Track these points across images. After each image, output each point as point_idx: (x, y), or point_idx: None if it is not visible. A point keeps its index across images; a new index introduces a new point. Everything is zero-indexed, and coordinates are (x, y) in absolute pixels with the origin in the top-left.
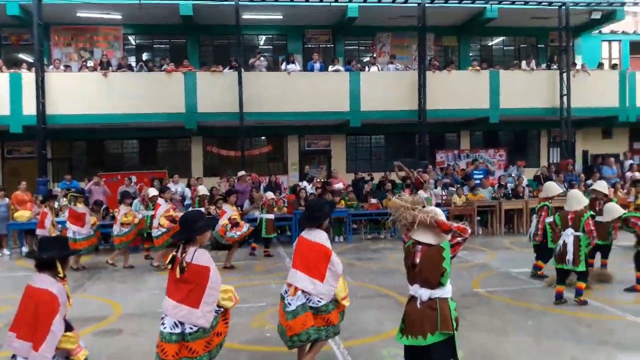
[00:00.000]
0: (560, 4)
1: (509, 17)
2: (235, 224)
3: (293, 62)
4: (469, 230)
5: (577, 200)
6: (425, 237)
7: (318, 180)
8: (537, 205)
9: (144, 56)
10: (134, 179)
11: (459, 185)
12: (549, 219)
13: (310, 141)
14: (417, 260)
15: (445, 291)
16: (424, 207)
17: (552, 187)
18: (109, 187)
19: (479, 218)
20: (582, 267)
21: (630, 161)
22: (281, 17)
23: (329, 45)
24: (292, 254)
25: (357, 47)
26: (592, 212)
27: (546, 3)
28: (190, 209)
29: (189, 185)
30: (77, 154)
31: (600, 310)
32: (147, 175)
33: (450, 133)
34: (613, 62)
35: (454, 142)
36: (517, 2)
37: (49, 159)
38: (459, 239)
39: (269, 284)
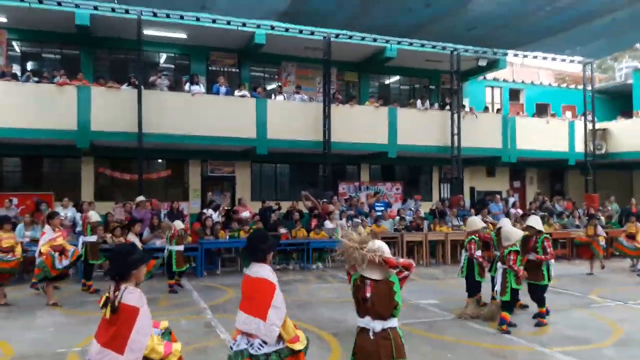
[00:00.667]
0: (452, 49)
1: (406, 57)
2: None
3: (197, 84)
4: (414, 264)
5: (506, 236)
6: (373, 274)
7: (223, 208)
8: (465, 239)
9: (29, 65)
10: (15, 200)
11: (362, 217)
12: (478, 253)
13: (213, 167)
14: (368, 294)
15: (395, 321)
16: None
17: (476, 222)
18: None
19: None
20: (506, 297)
21: (513, 198)
22: (185, 36)
23: (234, 70)
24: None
25: (262, 73)
26: (516, 248)
27: (440, 47)
28: (82, 237)
29: (80, 210)
30: None
31: (510, 342)
32: (31, 197)
33: (350, 165)
34: (496, 106)
35: (355, 174)
36: (414, 44)
37: None
38: (406, 272)
39: (178, 320)
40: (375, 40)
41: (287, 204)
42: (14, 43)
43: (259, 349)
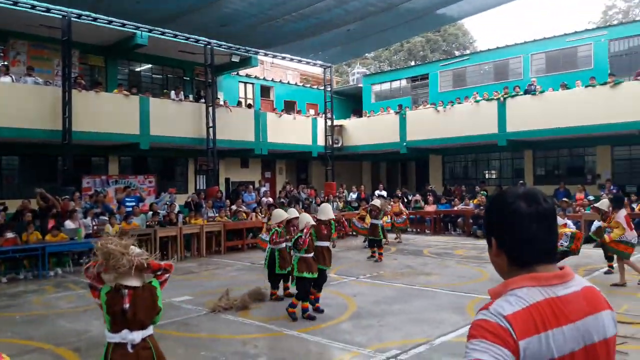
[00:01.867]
0: (205, 42)
1: (158, 46)
2: None
3: None
4: (174, 265)
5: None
6: (131, 281)
7: None
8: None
9: None
10: None
11: (109, 214)
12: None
13: None
14: (127, 305)
15: (152, 327)
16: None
17: (281, 213)
18: None
19: None
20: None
21: (265, 188)
22: None
23: None
24: None
25: None
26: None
27: (193, 39)
28: None
29: None
30: None
31: (258, 329)
32: None
33: (97, 157)
34: (249, 101)
35: (102, 166)
36: (167, 34)
37: None
38: (167, 275)
39: None
40: (123, 25)
41: (17, 203)
42: None
43: None
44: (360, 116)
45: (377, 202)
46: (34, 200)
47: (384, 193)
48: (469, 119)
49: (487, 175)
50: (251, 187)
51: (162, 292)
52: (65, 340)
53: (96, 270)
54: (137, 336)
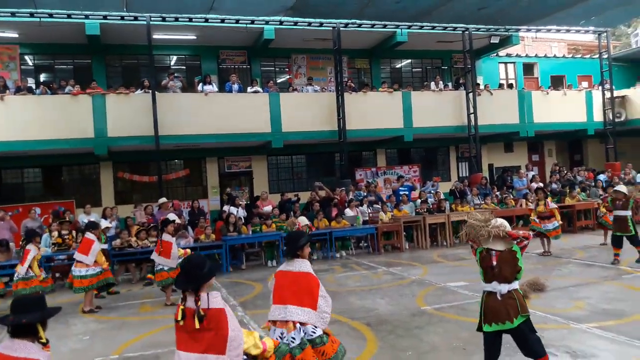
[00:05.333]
0: (463, 29)
1: (417, 40)
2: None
3: (210, 83)
4: (532, 234)
5: None
6: (496, 245)
7: (242, 203)
8: None
9: (43, 77)
10: (38, 210)
11: (381, 203)
12: None
13: (230, 163)
14: (494, 263)
15: (517, 283)
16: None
17: None
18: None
19: (405, 233)
20: None
21: (532, 172)
22: (194, 37)
23: (244, 66)
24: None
25: (273, 68)
26: None
27: (451, 28)
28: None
29: (104, 216)
30: None
31: (544, 320)
32: (53, 206)
33: (367, 151)
34: (510, 82)
35: (371, 159)
36: (425, 27)
37: None
38: (525, 242)
39: None
40: (385, 26)
41: (306, 195)
42: (27, 57)
43: (313, 333)
44: None
45: (622, 187)
46: (322, 192)
47: None
48: None
49: None
50: (522, 172)
51: (437, 276)
52: (357, 315)
53: (466, 238)
54: (503, 288)
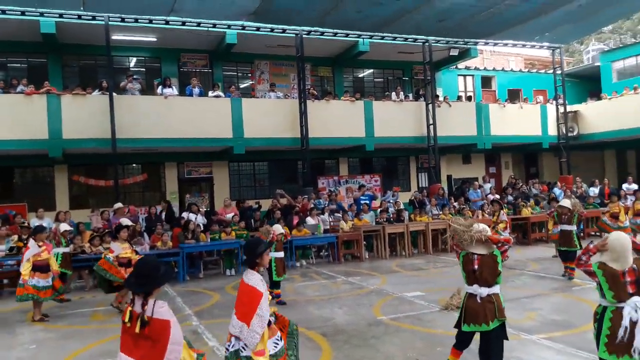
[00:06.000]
0: (423, 40)
1: (378, 50)
2: (127, 264)
3: (170, 86)
4: (512, 239)
5: None
6: (479, 249)
7: (201, 210)
8: None
9: None
10: None
11: (342, 211)
12: None
13: (190, 168)
14: (476, 266)
15: (498, 288)
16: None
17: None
18: None
19: (365, 243)
20: None
21: (489, 184)
22: (155, 39)
23: (206, 70)
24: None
25: (235, 73)
26: None
27: (412, 39)
28: (58, 248)
29: (57, 220)
30: None
31: None
32: (4, 209)
33: (329, 160)
34: (468, 94)
35: (334, 168)
36: (386, 37)
37: None
38: (506, 246)
39: None
40: (347, 35)
41: (268, 202)
42: None
43: (242, 351)
44: (599, 99)
45: (566, 202)
46: (283, 200)
47: (635, 186)
48: None
49: None
50: (476, 183)
51: (393, 286)
52: (314, 324)
53: (451, 242)
54: (484, 291)
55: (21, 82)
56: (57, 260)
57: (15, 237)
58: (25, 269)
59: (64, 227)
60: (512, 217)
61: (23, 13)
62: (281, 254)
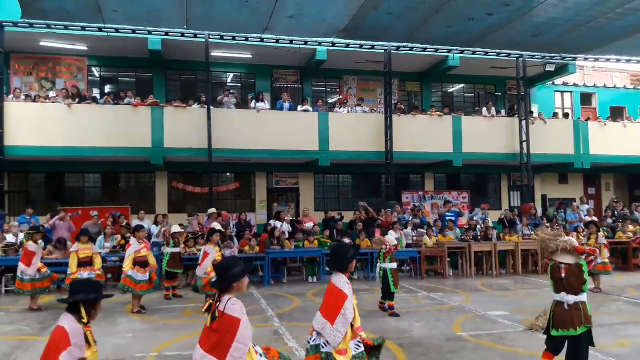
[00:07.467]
0: (517, 55)
1: (469, 65)
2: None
3: (262, 101)
4: (597, 251)
5: None
6: (566, 259)
7: (287, 218)
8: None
9: (107, 88)
10: (95, 214)
11: (427, 227)
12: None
13: (278, 179)
14: (563, 275)
15: (584, 296)
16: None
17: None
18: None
19: (449, 260)
20: None
21: (587, 206)
22: (250, 56)
23: (297, 86)
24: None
25: (324, 88)
26: None
27: (505, 54)
28: (166, 248)
29: (155, 222)
30: (34, 187)
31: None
32: (110, 211)
33: (414, 174)
34: (566, 111)
35: (419, 183)
36: (477, 53)
37: (5, 191)
38: (592, 257)
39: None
40: (437, 50)
41: (350, 214)
42: (94, 69)
43: (323, 347)
44: None
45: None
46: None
47: None
48: None
49: None
50: (575, 204)
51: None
52: (391, 335)
53: (543, 262)
54: (571, 299)
55: (128, 95)
56: (165, 260)
57: (119, 236)
58: (126, 265)
59: (176, 228)
60: (610, 240)
61: (134, 32)
62: (395, 265)
